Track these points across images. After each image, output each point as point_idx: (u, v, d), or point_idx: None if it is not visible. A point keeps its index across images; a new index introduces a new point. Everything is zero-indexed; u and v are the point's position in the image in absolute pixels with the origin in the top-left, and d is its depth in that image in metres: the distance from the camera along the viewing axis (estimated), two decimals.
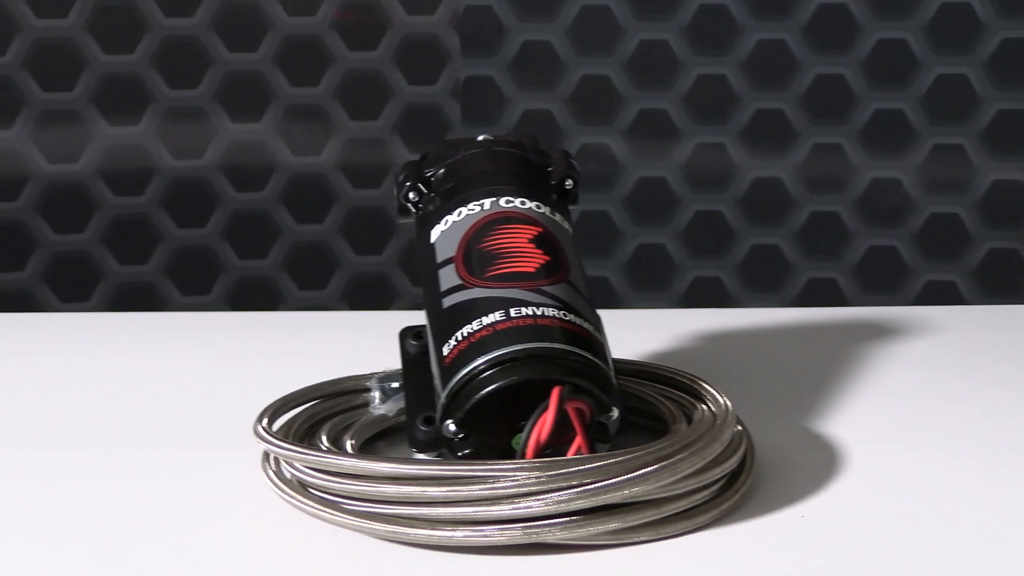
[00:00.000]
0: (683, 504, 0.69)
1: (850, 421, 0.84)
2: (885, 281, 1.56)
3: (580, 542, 0.68)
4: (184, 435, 0.84)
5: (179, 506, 0.74)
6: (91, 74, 1.50)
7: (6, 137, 1.50)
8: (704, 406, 0.76)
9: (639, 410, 0.79)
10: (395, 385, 0.82)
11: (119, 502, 0.75)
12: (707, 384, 0.79)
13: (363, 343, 0.98)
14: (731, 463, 0.72)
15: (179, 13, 1.50)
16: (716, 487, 0.71)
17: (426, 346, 0.81)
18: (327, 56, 1.52)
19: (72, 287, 1.53)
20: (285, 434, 0.76)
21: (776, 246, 1.56)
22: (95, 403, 0.90)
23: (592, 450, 0.70)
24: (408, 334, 0.82)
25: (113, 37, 1.50)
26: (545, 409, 0.69)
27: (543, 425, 0.69)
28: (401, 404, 0.81)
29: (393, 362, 0.83)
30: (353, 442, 0.77)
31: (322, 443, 0.76)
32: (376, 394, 0.82)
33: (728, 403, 0.76)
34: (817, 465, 0.78)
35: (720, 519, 0.71)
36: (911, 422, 0.85)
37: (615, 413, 0.73)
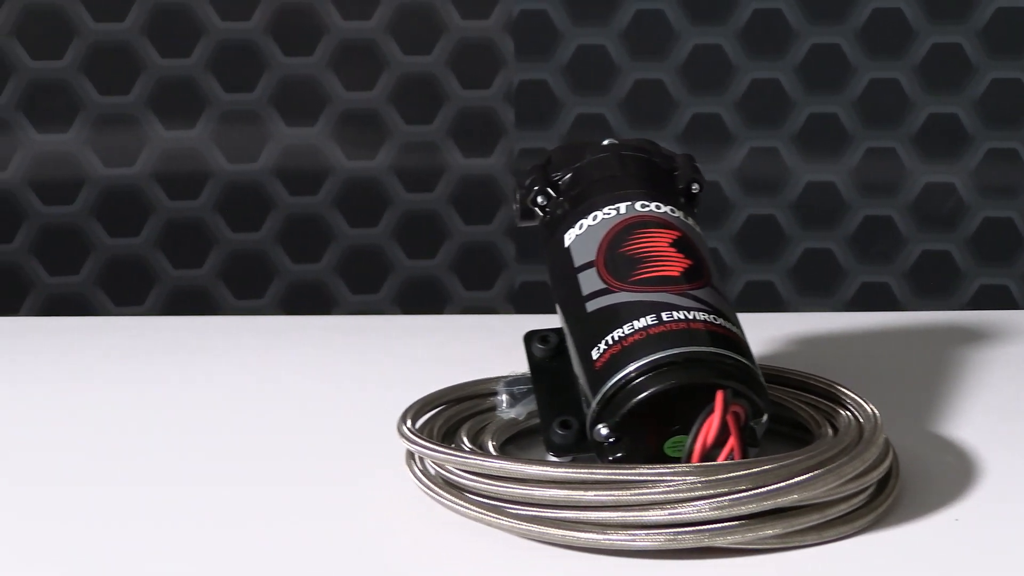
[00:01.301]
0: (843, 508, 0.69)
1: (969, 424, 0.84)
2: (938, 285, 1.56)
3: (747, 546, 0.68)
4: (287, 440, 0.84)
5: (325, 511, 0.74)
6: (147, 78, 1.49)
7: (63, 140, 1.49)
8: (847, 412, 0.76)
9: (775, 416, 0.79)
10: (523, 389, 0.81)
11: (254, 510, 0.75)
12: (846, 388, 0.78)
13: (418, 347, 0.98)
14: (885, 466, 0.72)
15: (235, 17, 1.50)
16: (870, 492, 0.71)
17: (554, 350, 0.81)
18: (382, 60, 1.52)
19: (127, 291, 1.53)
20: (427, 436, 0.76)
21: (829, 250, 1.56)
22: (166, 409, 0.89)
23: (745, 454, 0.70)
24: (534, 338, 0.82)
25: (170, 41, 1.49)
26: (710, 413, 0.69)
27: (709, 429, 0.69)
28: (530, 407, 0.81)
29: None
30: (494, 443, 0.77)
31: (464, 445, 0.76)
32: (504, 397, 0.81)
33: (874, 409, 0.76)
34: (953, 468, 0.78)
35: (877, 523, 0.71)
36: None
37: (765, 417, 0.73)
